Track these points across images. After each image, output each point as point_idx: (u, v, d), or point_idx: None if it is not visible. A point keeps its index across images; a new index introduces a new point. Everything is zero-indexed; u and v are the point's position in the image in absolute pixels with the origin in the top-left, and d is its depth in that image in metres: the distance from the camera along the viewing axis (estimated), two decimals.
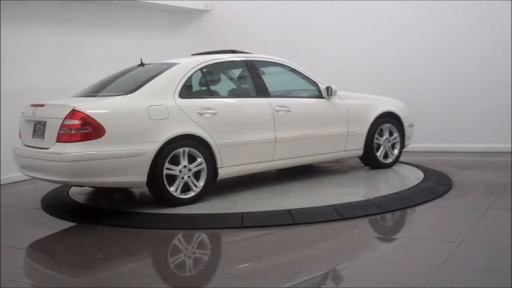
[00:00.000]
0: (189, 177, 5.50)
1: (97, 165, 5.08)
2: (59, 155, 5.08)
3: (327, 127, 6.56)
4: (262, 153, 6.07)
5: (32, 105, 5.75)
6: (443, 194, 5.79)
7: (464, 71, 8.48)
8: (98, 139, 5.05)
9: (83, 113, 5.07)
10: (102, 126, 5.07)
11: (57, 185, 6.78)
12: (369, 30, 9.05)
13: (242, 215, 5.06)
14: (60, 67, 8.22)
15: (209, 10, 10.22)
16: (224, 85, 6.56)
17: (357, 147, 6.83)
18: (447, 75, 8.60)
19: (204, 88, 6.10)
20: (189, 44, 9.75)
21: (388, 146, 7.04)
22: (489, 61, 8.29)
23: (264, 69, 6.62)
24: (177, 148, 5.42)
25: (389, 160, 7.08)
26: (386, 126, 6.99)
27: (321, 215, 5.06)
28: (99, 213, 5.56)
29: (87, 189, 6.57)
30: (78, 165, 5.04)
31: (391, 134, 7.06)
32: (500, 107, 8.22)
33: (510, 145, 8.16)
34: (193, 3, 10.00)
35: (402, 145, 7.20)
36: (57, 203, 6.14)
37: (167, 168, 5.36)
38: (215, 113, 5.73)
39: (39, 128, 5.53)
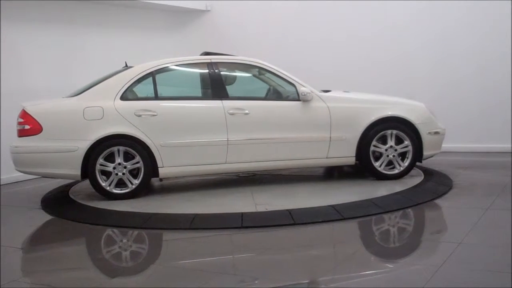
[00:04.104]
0: (123, 174, 5.83)
1: (36, 158, 5.84)
2: (14, 148, 5.93)
3: (299, 131, 6.19)
4: (212, 155, 6.04)
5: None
6: (443, 194, 5.79)
7: (464, 71, 8.47)
8: (36, 135, 5.80)
9: (26, 112, 5.84)
10: (39, 124, 5.78)
11: (57, 185, 6.78)
12: (369, 30, 9.03)
13: (242, 215, 5.07)
14: (60, 67, 8.21)
15: (209, 10, 10.21)
16: (175, 87, 6.57)
17: (345, 154, 6.25)
18: (447, 75, 8.59)
19: (150, 90, 6.14)
20: (189, 44, 9.75)
21: (394, 156, 6.27)
22: (489, 61, 8.28)
23: (233, 71, 6.58)
24: (110, 147, 5.82)
25: (395, 171, 6.29)
26: (391, 133, 6.25)
27: (321, 215, 5.06)
28: (99, 213, 5.55)
29: (87, 189, 6.57)
30: (22, 157, 5.89)
31: (401, 142, 6.31)
32: (500, 107, 8.22)
33: (510, 145, 8.15)
34: (193, 3, 9.99)
35: (417, 155, 6.35)
36: (57, 203, 6.14)
37: (101, 165, 5.82)
38: (154, 115, 5.92)
39: None
